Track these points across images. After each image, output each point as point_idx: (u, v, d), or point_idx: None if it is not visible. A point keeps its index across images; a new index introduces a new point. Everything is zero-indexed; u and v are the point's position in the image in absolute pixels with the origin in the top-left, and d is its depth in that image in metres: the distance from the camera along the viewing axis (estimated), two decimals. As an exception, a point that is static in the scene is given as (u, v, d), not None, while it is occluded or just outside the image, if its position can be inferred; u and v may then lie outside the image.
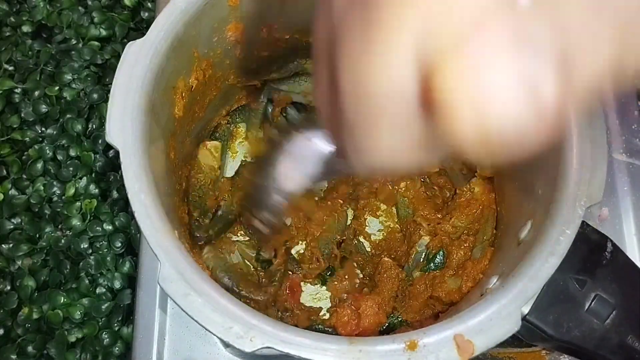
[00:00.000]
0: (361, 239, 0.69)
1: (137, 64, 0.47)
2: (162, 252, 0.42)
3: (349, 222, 0.69)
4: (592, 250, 0.47)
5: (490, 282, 0.50)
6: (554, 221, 0.45)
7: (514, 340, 0.47)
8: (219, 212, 0.67)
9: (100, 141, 0.84)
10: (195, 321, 0.41)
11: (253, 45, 0.63)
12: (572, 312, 0.46)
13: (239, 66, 0.64)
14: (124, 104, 0.46)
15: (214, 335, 0.41)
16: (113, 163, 0.83)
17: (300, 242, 0.68)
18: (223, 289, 0.43)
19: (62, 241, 0.79)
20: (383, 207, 0.71)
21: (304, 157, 0.47)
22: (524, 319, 0.44)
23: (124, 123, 0.45)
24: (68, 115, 0.85)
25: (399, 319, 0.65)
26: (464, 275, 0.61)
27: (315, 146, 0.44)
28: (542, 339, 0.47)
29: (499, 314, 0.42)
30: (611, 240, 0.47)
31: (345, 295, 0.65)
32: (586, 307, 0.46)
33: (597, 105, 0.49)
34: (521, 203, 0.56)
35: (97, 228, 0.79)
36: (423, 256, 0.67)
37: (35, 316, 0.76)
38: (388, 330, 0.64)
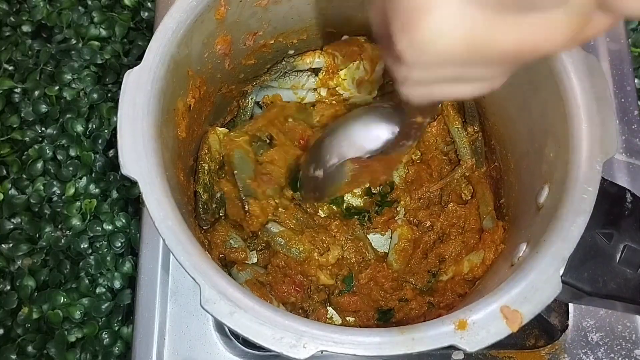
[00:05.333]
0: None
1: (138, 92, 0.46)
2: (200, 276, 0.42)
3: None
4: (613, 203, 0.48)
5: (519, 250, 0.50)
6: (574, 181, 0.46)
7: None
8: (217, 195, 0.66)
9: (100, 141, 0.83)
10: (246, 337, 0.41)
11: (241, 54, 0.62)
12: (604, 266, 0.47)
13: (230, 77, 0.64)
14: (133, 134, 0.45)
15: (268, 348, 0.41)
16: (113, 163, 0.82)
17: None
18: (265, 301, 0.43)
19: (62, 241, 0.78)
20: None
21: (371, 128, 0.53)
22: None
23: (138, 153, 0.45)
24: (68, 115, 0.84)
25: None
26: (484, 247, 0.61)
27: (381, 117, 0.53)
28: (579, 296, 0.48)
29: (539, 280, 0.43)
30: (629, 191, 0.48)
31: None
32: (617, 259, 0.47)
33: (594, 61, 0.49)
34: (532, 169, 0.57)
35: (97, 228, 0.79)
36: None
37: (35, 316, 0.75)
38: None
